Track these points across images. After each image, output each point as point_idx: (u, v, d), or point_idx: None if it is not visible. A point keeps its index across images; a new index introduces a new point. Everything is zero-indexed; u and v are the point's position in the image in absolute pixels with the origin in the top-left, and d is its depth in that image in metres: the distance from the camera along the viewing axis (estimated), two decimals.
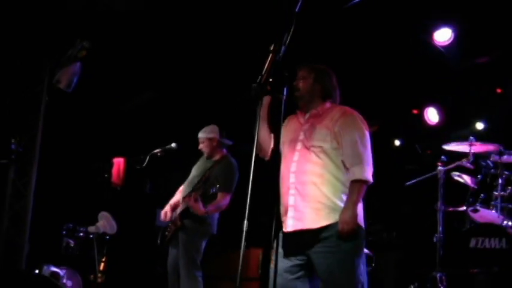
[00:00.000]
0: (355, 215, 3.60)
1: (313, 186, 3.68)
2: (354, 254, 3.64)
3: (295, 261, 3.68)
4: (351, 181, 3.65)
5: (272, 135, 3.87)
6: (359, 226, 3.65)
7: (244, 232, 3.39)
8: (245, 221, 3.46)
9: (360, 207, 3.70)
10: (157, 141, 6.62)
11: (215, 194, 5.63)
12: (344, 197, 3.67)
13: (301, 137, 3.79)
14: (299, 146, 3.79)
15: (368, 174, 3.66)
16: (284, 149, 3.83)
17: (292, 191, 3.74)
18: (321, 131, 3.73)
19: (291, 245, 3.67)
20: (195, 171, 6.07)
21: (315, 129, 3.76)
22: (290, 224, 3.72)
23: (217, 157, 5.99)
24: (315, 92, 3.85)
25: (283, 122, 3.70)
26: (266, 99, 3.62)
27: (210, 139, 6.01)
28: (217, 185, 5.53)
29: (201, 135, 6.06)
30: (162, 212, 6.01)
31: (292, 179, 3.75)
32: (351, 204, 3.61)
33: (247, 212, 3.45)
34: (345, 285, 3.60)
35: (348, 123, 3.74)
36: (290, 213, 3.73)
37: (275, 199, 3.50)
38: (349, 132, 3.71)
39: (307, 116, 3.86)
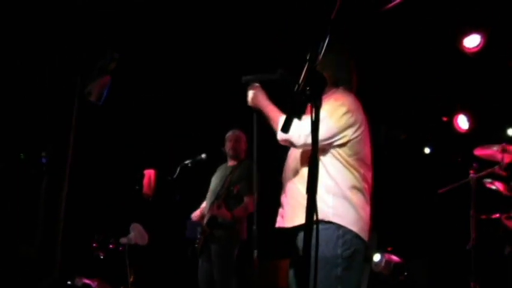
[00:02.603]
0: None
1: (290, 183, 3.40)
2: (330, 261, 3.16)
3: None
4: None
5: None
6: (338, 226, 3.19)
7: (255, 239, 3.36)
8: (253, 227, 3.40)
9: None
10: (188, 152, 6.67)
11: (240, 195, 5.70)
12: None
13: None
14: None
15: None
16: None
17: (283, 188, 3.51)
18: None
19: (278, 242, 3.53)
20: (215, 180, 6.13)
21: None
22: (277, 221, 3.50)
23: (236, 161, 6.05)
24: None
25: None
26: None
27: (240, 138, 6.10)
28: (239, 185, 5.63)
29: (232, 133, 6.12)
30: (193, 215, 6.13)
31: (283, 174, 3.52)
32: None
33: (255, 217, 3.41)
34: None
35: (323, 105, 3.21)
36: (280, 209, 3.50)
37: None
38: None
39: None
